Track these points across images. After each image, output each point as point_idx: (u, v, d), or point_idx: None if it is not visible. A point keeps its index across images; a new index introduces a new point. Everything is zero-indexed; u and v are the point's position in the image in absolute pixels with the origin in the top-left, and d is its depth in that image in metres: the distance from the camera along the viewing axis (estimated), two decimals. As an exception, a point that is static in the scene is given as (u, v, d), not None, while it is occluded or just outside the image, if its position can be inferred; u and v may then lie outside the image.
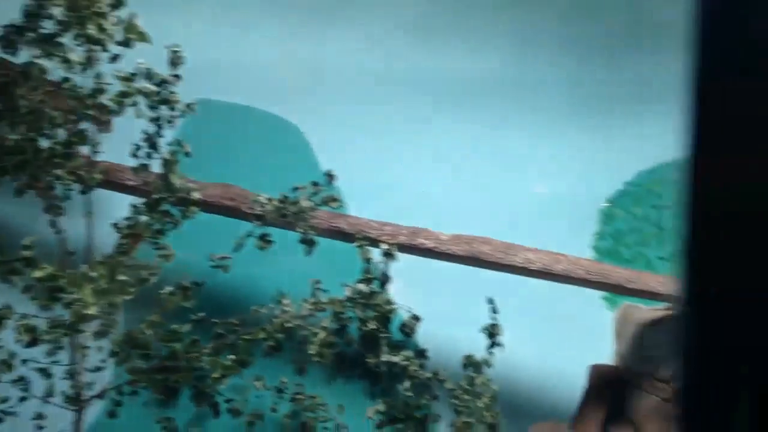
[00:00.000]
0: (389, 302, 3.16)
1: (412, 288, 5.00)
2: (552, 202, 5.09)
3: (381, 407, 3.96)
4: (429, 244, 4.15)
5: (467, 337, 4.59)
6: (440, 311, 5.00)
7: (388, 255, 3.15)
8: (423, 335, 4.78)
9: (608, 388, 4.81)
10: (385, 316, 3.09)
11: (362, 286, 3.01)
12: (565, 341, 4.98)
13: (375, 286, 3.13)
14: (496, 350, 4.44)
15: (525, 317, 4.91)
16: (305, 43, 5.04)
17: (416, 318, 3.34)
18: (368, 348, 3.12)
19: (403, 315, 4.72)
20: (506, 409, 4.81)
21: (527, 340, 4.95)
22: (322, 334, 3.05)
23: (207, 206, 3.98)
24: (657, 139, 5.02)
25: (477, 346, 4.54)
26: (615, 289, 4.26)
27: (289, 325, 3.13)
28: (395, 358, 3.98)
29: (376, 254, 3.33)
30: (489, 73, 5.07)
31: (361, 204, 4.88)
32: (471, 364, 4.40)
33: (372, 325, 3.02)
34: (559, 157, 5.08)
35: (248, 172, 4.83)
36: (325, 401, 3.89)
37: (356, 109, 5.04)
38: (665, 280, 4.18)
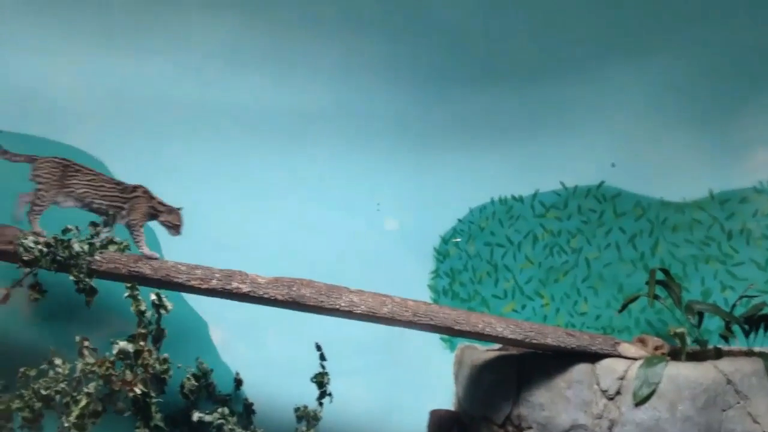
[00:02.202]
0: (164, 361, 2.75)
1: (237, 336, 4.63)
2: (386, 240, 4.87)
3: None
4: (245, 288, 3.79)
5: (300, 387, 4.29)
6: (270, 359, 4.67)
7: (158, 306, 2.76)
8: (253, 387, 4.43)
9: (447, 434, 4.63)
10: (158, 378, 2.69)
11: (124, 344, 2.60)
12: (405, 386, 4.76)
13: (148, 343, 2.73)
14: (326, 400, 4.19)
15: (362, 362, 4.66)
16: (107, 72, 4.57)
17: (202, 376, 2.95)
18: (140, 415, 2.70)
19: (233, 372, 4.35)
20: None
21: (364, 386, 4.69)
22: (83, 402, 2.61)
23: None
24: (487, 174, 4.94)
25: (311, 396, 4.24)
26: (443, 331, 4.06)
27: (47, 392, 2.67)
28: (208, 417, 3.58)
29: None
30: (313, 104, 4.79)
31: (172, 245, 4.46)
32: (304, 416, 4.11)
33: (139, 389, 2.61)
34: (391, 194, 4.88)
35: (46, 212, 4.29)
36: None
37: (166, 141, 4.60)
38: (494, 320, 4.03)
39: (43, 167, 3.64)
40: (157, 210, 3.83)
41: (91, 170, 3.76)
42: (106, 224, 3.22)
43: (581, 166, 4.87)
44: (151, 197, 3.83)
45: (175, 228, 3.86)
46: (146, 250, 3.71)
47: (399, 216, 4.90)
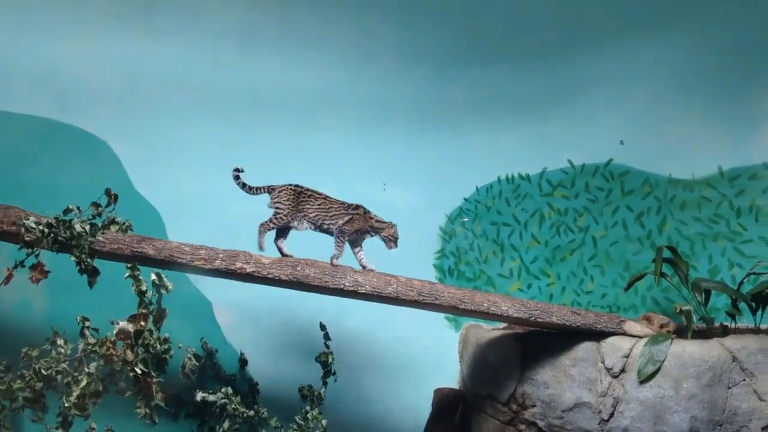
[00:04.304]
0: (164, 341, 2.76)
1: (242, 316, 4.65)
2: (391, 220, 4.84)
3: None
4: (249, 268, 3.80)
5: (304, 367, 4.31)
6: (277, 339, 4.69)
7: (158, 286, 2.76)
8: (258, 367, 4.45)
9: (453, 412, 4.65)
10: (159, 358, 2.70)
11: (124, 324, 2.60)
12: (410, 365, 4.77)
13: (149, 323, 2.73)
14: (330, 380, 4.22)
15: (366, 342, 4.67)
16: (119, 54, 4.56)
17: (193, 356, 2.96)
18: (141, 395, 2.71)
19: (238, 352, 4.36)
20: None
21: (369, 366, 4.71)
22: (84, 382, 2.62)
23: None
24: (495, 153, 4.90)
25: (315, 376, 4.27)
26: (448, 310, 4.05)
27: (48, 372, 2.69)
28: (211, 397, 3.61)
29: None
30: (326, 84, 4.77)
31: (179, 226, 4.48)
32: (308, 395, 4.14)
33: (139, 369, 2.62)
34: (397, 173, 4.85)
35: (49, 193, 4.31)
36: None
37: (175, 123, 4.60)
38: (499, 299, 4.01)
39: (282, 195, 3.95)
40: (375, 227, 4.03)
41: (320, 194, 4.02)
42: (107, 202, 3.24)
43: (589, 144, 4.82)
44: (369, 217, 4.03)
45: (394, 241, 4.06)
46: (335, 260, 3.90)
47: (405, 195, 4.88)
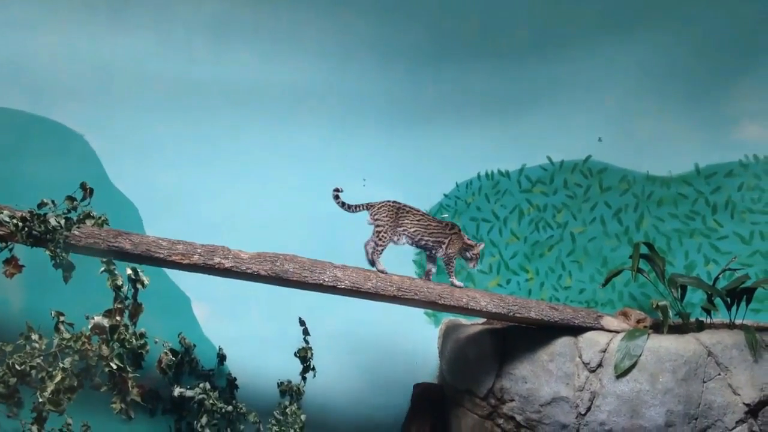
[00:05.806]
0: (140, 336, 2.73)
1: (220, 311, 4.62)
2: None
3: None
4: (227, 263, 3.76)
5: (284, 362, 4.29)
6: (256, 335, 4.67)
7: (134, 281, 2.73)
8: (236, 362, 4.43)
9: (431, 407, 4.66)
10: (135, 353, 2.67)
11: (99, 319, 2.57)
12: (389, 360, 4.77)
13: (125, 318, 2.71)
14: (310, 375, 4.20)
15: (346, 337, 4.67)
16: (91, 47, 4.51)
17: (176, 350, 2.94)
18: (116, 390, 2.69)
19: (216, 348, 4.34)
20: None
21: (348, 361, 4.70)
22: (58, 377, 2.59)
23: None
24: (475, 149, 4.92)
25: (294, 371, 4.25)
26: (427, 306, 4.06)
27: (23, 367, 2.65)
28: (189, 392, 3.58)
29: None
30: (302, 80, 4.75)
31: (157, 221, 4.44)
32: (287, 391, 4.12)
33: (115, 364, 2.59)
34: (377, 169, 4.84)
35: (24, 187, 4.25)
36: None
37: (151, 117, 4.57)
38: (478, 294, 4.03)
39: (381, 211, 4.02)
40: (467, 245, 4.12)
41: (418, 211, 4.10)
42: (83, 196, 3.19)
43: (568, 141, 4.86)
44: (462, 235, 4.14)
45: (477, 260, 4.17)
46: (455, 281, 4.04)
47: (385, 191, 4.85)
